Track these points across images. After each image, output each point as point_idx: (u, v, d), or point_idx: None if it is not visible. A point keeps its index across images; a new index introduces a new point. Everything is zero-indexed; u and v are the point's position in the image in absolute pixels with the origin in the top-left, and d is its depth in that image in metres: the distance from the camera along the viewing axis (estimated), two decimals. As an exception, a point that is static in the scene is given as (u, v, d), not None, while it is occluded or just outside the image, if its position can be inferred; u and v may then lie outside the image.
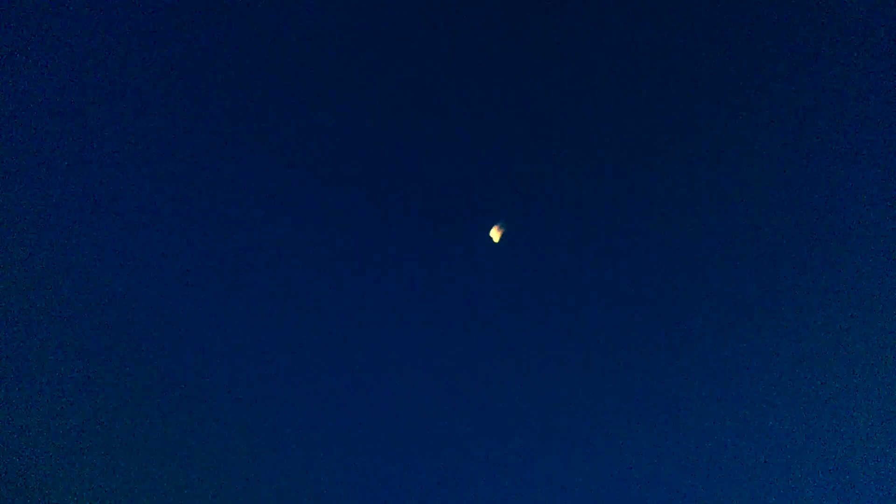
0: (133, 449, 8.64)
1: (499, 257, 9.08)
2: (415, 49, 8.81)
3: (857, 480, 8.89)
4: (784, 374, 9.11)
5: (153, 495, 8.58)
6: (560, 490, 9.16)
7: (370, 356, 9.29)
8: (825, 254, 8.87)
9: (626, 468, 9.20)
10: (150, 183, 8.56)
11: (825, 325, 8.97)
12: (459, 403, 9.34)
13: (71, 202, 8.47)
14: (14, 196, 8.27)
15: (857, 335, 8.89)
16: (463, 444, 9.30)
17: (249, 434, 8.92)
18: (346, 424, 9.17)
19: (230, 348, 8.93)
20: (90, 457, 8.50)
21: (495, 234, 8.46)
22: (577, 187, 9.14)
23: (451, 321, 9.34)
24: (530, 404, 9.36)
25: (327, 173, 9.02)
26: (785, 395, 9.12)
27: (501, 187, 9.18)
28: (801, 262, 8.94)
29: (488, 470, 9.25)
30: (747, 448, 9.13)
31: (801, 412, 9.08)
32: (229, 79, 8.62)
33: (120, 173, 8.52)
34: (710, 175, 8.94)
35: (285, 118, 8.80)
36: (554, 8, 8.66)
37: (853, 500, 8.89)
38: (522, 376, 9.39)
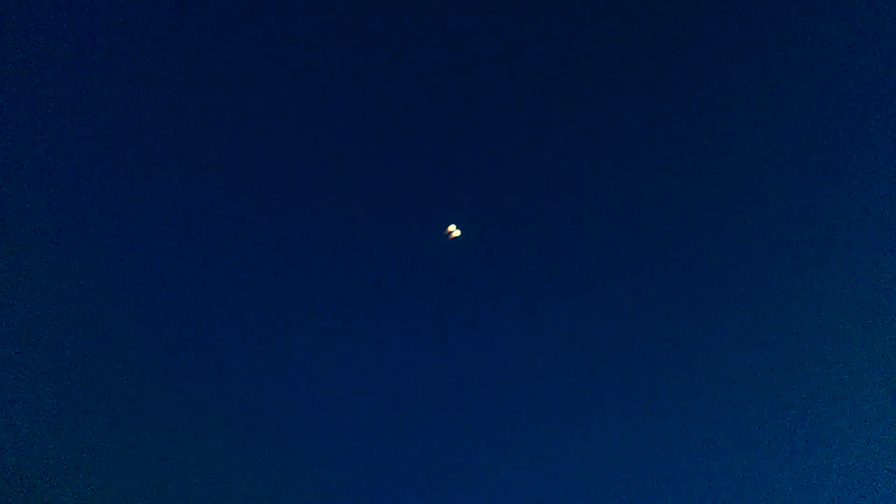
0: (131, 449, 8.67)
1: (489, 256, 9.10)
2: (385, 49, 8.83)
3: (857, 480, 8.85)
4: (782, 373, 9.09)
5: (153, 495, 8.60)
6: (538, 489, 9.13)
7: (360, 354, 9.30)
8: (825, 253, 8.84)
9: (611, 467, 9.17)
10: (132, 183, 8.61)
11: (823, 325, 8.95)
12: (449, 403, 9.34)
13: (69, 201, 8.53)
14: (14, 196, 8.33)
15: (858, 335, 8.85)
16: (457, 443, 9.30)
17: (234, 431, 8.92)
18: (333, 422, 9.17)
19: (214, 346, 8.95)
20: (89, 456, 8.53)
21: (452, 230, 8.63)
22: (570, 185, 9.17)
23: (442, 319, 9.36)
24: (520, 404, 9.35)
25: (310, 172, 9.06)
26: (782, 395, 9.09)
27: (493, 185, 9.20)
28: (797, 261, 8.92)
29: (478, 469, 9.24)
30: (745, 448, 9.10)
31: (800, 411, 9.05)
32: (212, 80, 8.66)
33: (113, 171, 8.59)
34: (706, 172, 8.94)
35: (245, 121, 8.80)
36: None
37: (853, 499, 8.85)
38: (516, 376, 9.40)
